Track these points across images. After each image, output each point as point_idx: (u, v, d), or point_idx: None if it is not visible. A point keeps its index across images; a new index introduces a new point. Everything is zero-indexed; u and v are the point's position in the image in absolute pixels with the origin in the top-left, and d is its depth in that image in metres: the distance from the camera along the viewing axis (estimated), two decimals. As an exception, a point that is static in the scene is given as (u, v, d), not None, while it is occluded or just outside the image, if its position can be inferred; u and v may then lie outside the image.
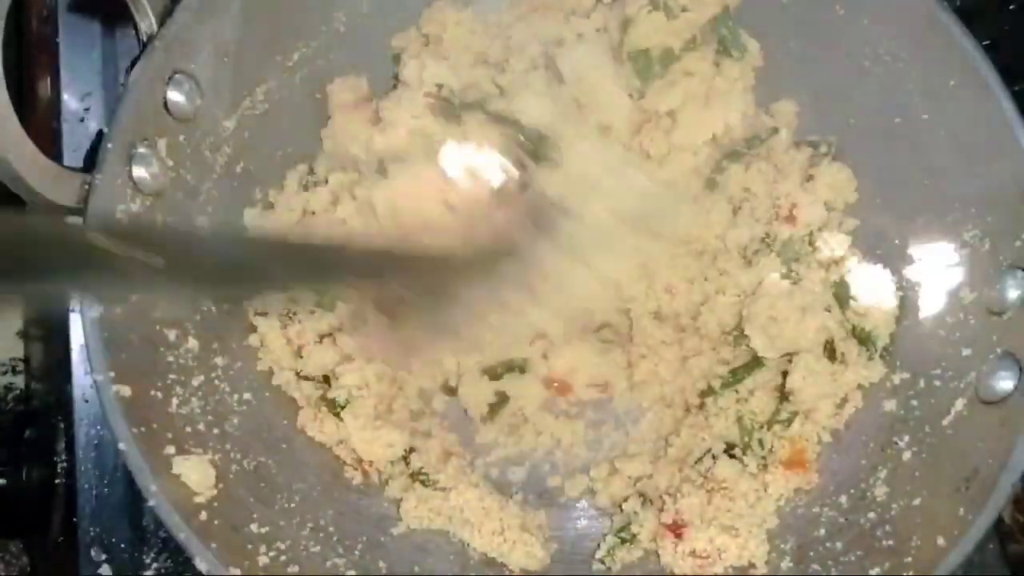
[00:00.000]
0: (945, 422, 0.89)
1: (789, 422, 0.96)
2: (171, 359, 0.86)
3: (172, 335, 0.87)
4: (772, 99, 1.03)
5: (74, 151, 1.06)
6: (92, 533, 1.01)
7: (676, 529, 0.94)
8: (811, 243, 0.99)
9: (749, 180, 1.01)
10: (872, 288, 0.98)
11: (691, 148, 0.99)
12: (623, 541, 0.97)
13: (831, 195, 0.99)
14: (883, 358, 0.97)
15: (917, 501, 0.88)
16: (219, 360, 0.92)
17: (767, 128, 1.02)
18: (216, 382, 0.90)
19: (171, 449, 0.82)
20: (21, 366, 1.16)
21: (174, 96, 0.87)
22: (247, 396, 0.93)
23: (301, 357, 0.97)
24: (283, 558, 0.86)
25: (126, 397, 0.80)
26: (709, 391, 1.00)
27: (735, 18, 1.00)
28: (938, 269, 0.94)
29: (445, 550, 0.96)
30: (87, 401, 0.98)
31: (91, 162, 0.83)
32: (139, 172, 0.84)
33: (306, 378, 0.97)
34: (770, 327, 0.96)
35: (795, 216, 0.99)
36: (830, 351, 0.96)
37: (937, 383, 0.91)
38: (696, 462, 0.98)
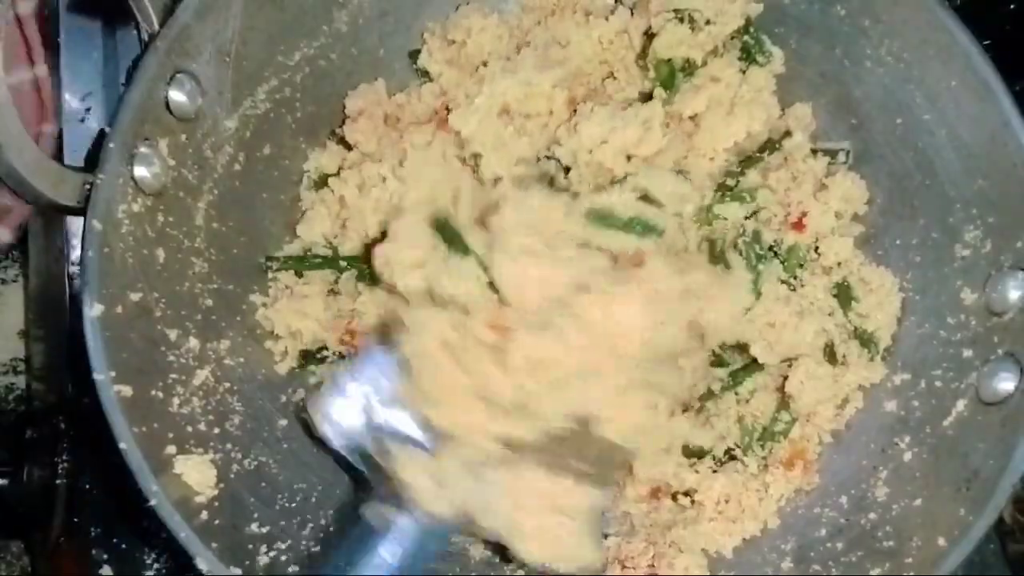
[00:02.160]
0: (946, 423, 0.89)
1: (786, 433, 0.97)
2: (172, 358, 0.86)
3: (173, 334, 0.87)
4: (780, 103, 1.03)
5: (75, 151, 1.06)
6: (93, 533, 1.01)
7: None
8: (816, 250, 1.00)
9: (766, 187, 1.00)
10: (874, 289, 0.98)
11: (711, 153, 0.99)
12: None
13: (843, 206, 0.99)
14: (884, 359, 0.97)
15: (918, 502, 0.88)
16: (220, 359, 0.92)
17: (781, 131, 1.02)
18: (217, 382, 0.90)
19: (172, 449, 0.82)
20: (22, 366, 1.16)
21: (175, 96, 0.87)
22: (248, 396, 0.93)
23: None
24: (283, 558, 0.86)
25: (127, 397, 0.79)
26: (709, 394, 1.00)
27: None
28: (939, 270, 0.94)
29: (446, 550, 0.96)
30: (88, 401, 0.98)
31: (92, 162, 0.83)
32: (140, 171, 0.84)
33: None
34: (767, 333, 0.96)
35: (804, 224, 0.99)
36: (830, 354, 0.96)
37: (938, 384, 0.91)
38: (696, 462, 0.98)
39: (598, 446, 0.86)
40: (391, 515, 0.84)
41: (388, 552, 0.83)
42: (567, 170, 0.98)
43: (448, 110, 1.00)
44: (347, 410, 0.89)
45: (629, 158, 0.96)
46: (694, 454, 0.98)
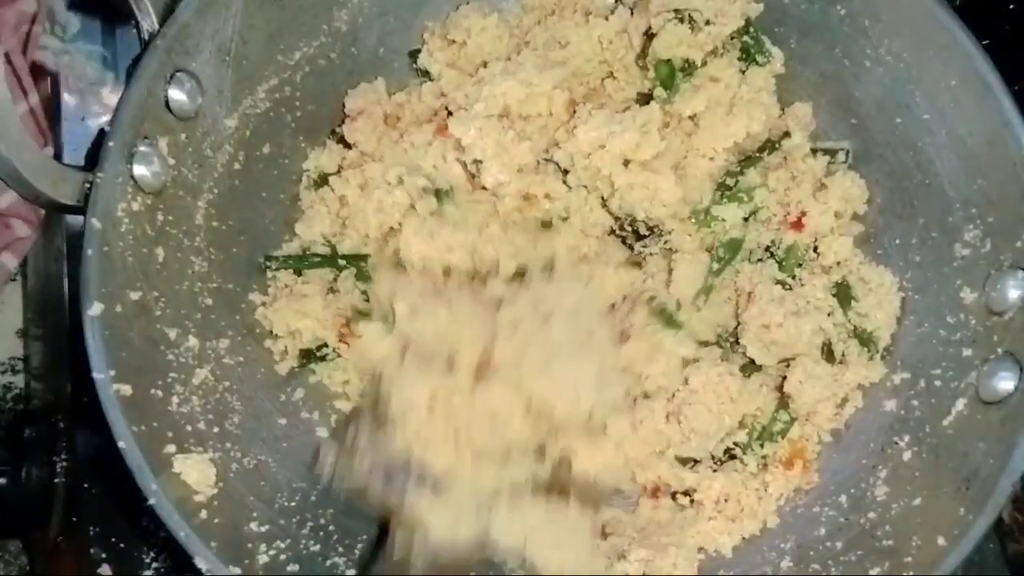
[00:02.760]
0: (946, 422, 0.89)
1: (784, 432, 0.97)
2: (171, 357, 0.86)
3: (172, 333, 0.87)
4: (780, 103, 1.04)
5: (75, 150, 1.06)
6: (92, 532, 1.01)
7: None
8: (815, 249, 1.00)
9: (764, 186, 1.00)
10: (873, 289, 0.98)
11: (710, 153, 0.99)
12: None
13: (842, 205, 0.99)
14: (884, 358, 0.97)
15: (917, 501, 0.88)
16: (219, 358, 0.92)
17: (780, 131, 1.02)
18: (216, 380, 0.90)
19: (171, 448, 0.82)
20: (21, 365, 1.16)
21: (175, 94, 0.87)
22: (247, 394, 0.93)
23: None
24: (283, 557, 0.86)
25: (126, 396, 0.79)
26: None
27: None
28: (939, 269, 0.94)
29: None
30: (87, 400, 0.98)
31: (92, 160, 0.83)
32: (140, 170, 0.84)
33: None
34: (763, 334, 0.96)
35: (804, 224, 0.99)
36: (828, 353, 0.96)
37: (938, 383, 0.91)
38: (696, 461, 0.98)
39: (582, 481, 0.93)
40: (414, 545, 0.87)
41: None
42: (565, 172, 0.99)
43: (448, 113, 1.00)
44: (354, 460, 0.91)
45: (627, 163, 0.96)
46: (685, 461, 0.98)
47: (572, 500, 0.91)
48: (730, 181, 0.99)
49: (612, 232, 1.04)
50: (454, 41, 1.04)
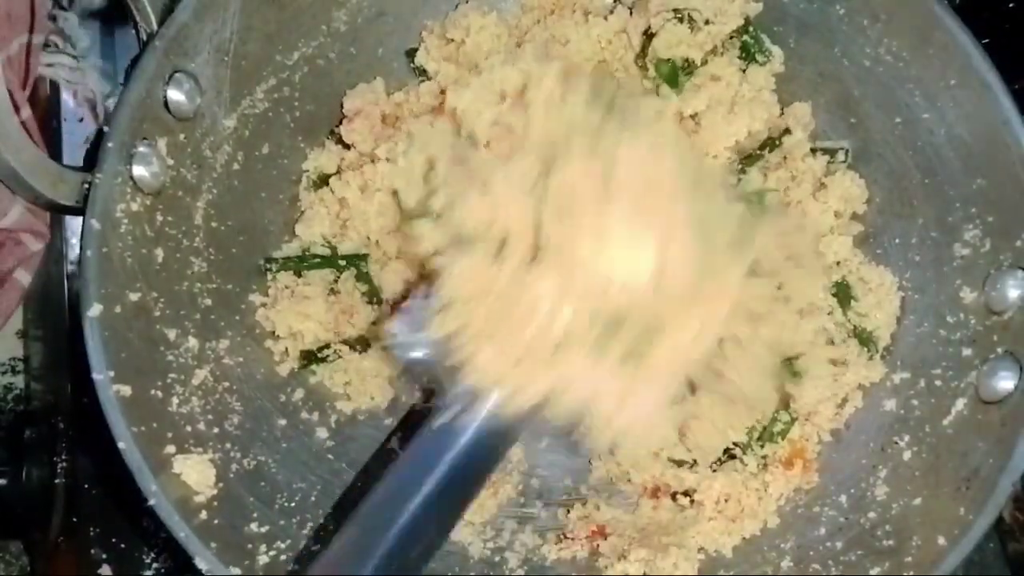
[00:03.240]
0: (945, 422, 0.89)
1: (784, 433, 0.96)
2: (171, 358, 0.86)
3: (172, 334, 0.87)
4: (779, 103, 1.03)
5: (74, 150, 1.06)
6: (92, 533, 1.01)
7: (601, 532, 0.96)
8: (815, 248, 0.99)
9: (767, 185, 1.00)
10: (873, 288, 0.98)
11: (714, 151, 0.98)
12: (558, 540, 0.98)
13: (842, 205, 0.99)
14: (883, 358, 0.97)
15: (917, 501, 0.88)
16: (219, 359, 0.92)
17: (780, 130, 1.02)
18: (216, 381, 0.90)
19: (171, 448, 0.82)
20: (21, 366, 1.16)
21: (174, 95, 0.87)
22: (247, 395, 0.93)
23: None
24: (283, 558, 0.86)
25: (126, 396, 0.79)
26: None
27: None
28: (938, 269, 0.94)
29: (444, 549, 0.96)
30: (87, 400, 0.98)
31: (91, 161, 0.83)
32: (139, 171, 0.84)
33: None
34: (768, 332, 0.96)
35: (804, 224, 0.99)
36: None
37: (938, 383, 0.91)
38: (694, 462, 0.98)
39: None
40: (459, 417, 0.77)
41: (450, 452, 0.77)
42: None
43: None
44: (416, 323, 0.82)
45: None
46: (682, 463, 0.98)
47: (651, 363, 0.76)
48: (732, 180, 0.99)
49: None
50: (452, 40, 1.04)
